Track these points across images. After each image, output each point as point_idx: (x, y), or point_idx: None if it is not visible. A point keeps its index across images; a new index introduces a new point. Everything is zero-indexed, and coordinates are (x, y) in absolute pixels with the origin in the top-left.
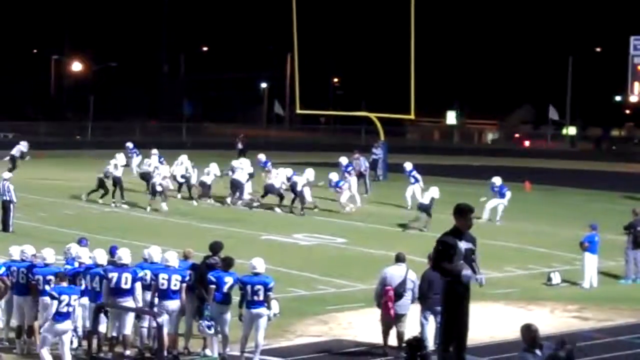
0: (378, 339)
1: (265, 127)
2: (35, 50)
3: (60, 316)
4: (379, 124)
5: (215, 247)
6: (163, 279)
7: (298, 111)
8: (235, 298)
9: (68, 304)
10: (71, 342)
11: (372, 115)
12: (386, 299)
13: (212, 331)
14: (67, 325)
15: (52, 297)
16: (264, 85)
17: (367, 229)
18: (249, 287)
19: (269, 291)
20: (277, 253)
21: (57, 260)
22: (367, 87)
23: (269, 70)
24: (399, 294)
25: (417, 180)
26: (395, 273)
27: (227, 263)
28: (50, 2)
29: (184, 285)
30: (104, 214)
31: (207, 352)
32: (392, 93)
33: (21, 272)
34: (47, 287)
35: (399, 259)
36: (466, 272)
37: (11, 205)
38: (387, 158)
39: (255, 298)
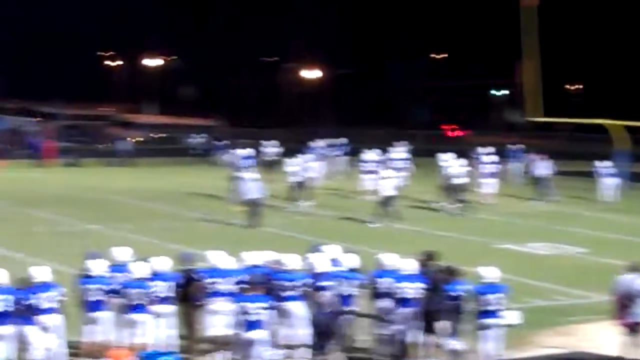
0: (621, 352)
1: (499, 135)
2: (266, 58)
3: None
4: (614, 133)
5: (431, 256)
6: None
7: (529, 119)
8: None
9: None
10: None
11: (608, 123)
12: (619, 308)
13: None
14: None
15: None
16: (498, 92)
17: (610, 238)
18: (482, 297)
19: (502, 300)
20: (512, 262)
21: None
22: (611, 94)
23: (503, 77)
24: (631, 303)
25: None
26: (627, 282)
27: (452, 272)
28: (283, 11)
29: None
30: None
31: None
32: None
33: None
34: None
35: (634, 268)
36: None
37: None
38: (631, 167)
39: (490, 308)
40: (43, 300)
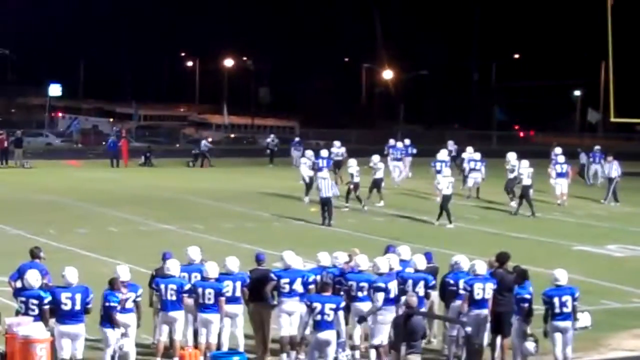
0: None
1: (578, 136)
2: (346, 59)
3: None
4: None
5: (503, 258)
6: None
7: (612, 119)
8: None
9: None
10: None
11: None
12: None
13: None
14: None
15: None
16: (577, 92)
17: None
18: (556, 300)
19: (574, 302)
20: (588, 264)
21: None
22: None
23: (582, 77)
24: None
25: None
26: None
27: (522, 274)
28: (360, 12)
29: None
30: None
31: None
32: None
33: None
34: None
35: None
36: None
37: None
38: None
39: (561, 310)
40: (123, 300)
